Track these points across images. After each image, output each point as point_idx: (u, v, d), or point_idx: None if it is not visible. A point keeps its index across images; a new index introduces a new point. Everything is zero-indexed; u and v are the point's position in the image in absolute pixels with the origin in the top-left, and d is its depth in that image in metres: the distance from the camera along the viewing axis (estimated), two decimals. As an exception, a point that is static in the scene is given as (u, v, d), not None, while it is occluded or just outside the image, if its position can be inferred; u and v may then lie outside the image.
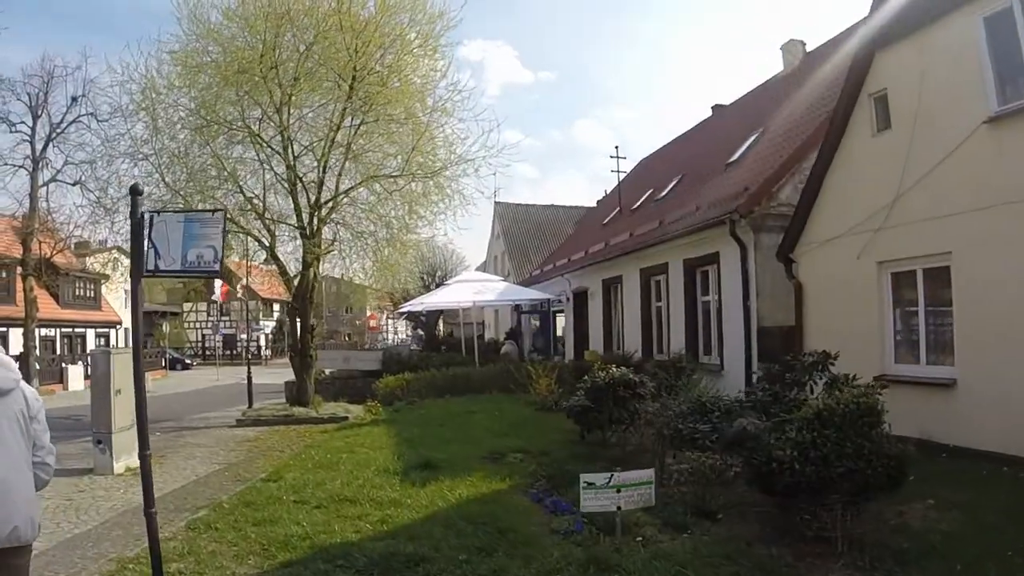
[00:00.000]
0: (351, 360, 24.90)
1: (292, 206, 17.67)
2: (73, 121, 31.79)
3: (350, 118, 17.19)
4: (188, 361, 54.21)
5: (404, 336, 79.80)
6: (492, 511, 7.31)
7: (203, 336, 67.24)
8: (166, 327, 60.21)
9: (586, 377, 11.38)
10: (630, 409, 10.50)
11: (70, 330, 38.85)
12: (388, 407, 17.41)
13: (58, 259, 33.22)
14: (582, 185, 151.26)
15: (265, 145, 17.13)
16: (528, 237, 41.41)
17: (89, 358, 10.66)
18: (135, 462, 9.75)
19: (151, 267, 4.96)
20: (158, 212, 5.37)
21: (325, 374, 24.86)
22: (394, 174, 17.52)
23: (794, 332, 12.70)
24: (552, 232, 40.07)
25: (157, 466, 10.05)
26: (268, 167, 17.52)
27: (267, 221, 17.93)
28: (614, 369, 10.88)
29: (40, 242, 31.63)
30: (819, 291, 12.36)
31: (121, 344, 45.41)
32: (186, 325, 65.97)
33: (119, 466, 10.74)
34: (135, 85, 16.92)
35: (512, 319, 34.60)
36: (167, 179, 17.14)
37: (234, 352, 60.88)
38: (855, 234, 11.27)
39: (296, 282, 18.65)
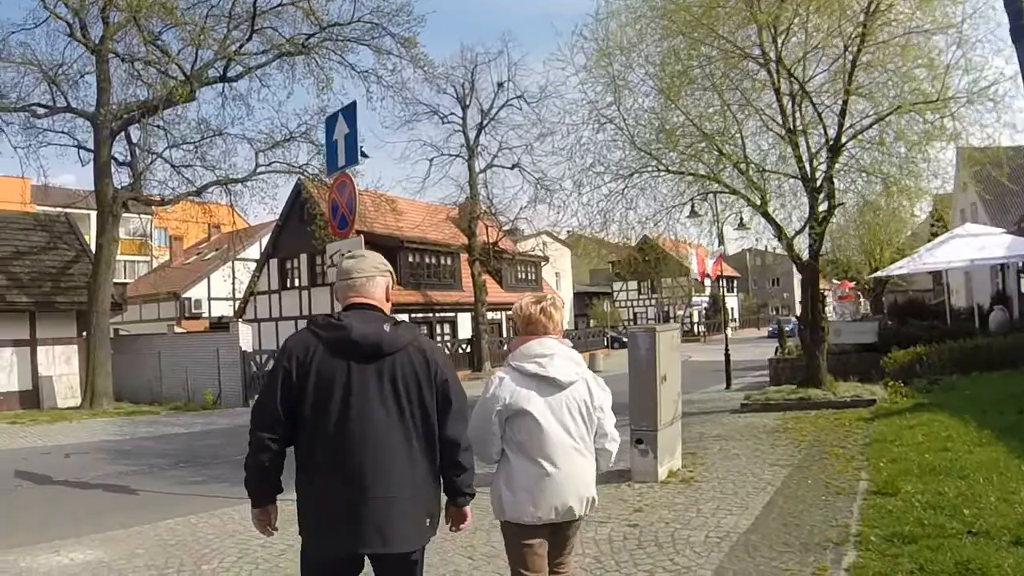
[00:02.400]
0: (842, 333, 20.46)
1: (790, 154, 14.75)
2: (502, 106, 32.16)
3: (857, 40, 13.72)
4: (625, 339, 52.93)
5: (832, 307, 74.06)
6: None
7: (634, 314, 67.00)
8: (607, 306, 60.24)
9: None
10: None
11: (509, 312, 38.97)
12: (907, 386, 14.82)
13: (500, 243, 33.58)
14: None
15: (759, 80, 14.79)
16: (1003, 185, 32.65)
17: (627, 337, 9.63)
18: (677, 464, 9.02)
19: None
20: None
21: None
22: (930, 100, 13.26)
23: None
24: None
25: (699, 467, 9.14)
26: (757, 111, 15.05)
27: (753, 176, 15.35)
28: None
29: (487, 227, 32.15)
30: None
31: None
32: (617, 304, 65.82)
33: (663, 471, 8.58)
34: (590, 44, 15.54)
35: (993, 282, 27.20)
36: (637, 141, 15.54)
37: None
38: None
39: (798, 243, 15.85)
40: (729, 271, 75.59)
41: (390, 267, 3.20)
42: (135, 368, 22.80)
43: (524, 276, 39.88)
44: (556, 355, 3.50)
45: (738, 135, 15.27)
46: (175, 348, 22.87)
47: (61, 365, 21.16)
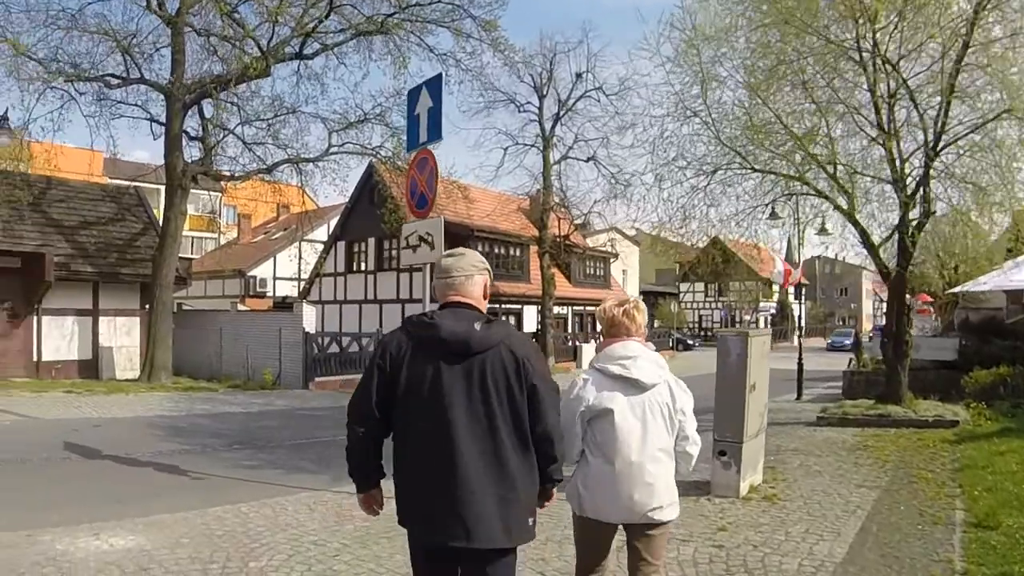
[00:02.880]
0: (921, 348, 19.32)
1: (881, 157, 14.21)
2: (580, 97, 31.59)
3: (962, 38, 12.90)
4: (690, 342, 52.07)
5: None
6: None
7: (700, 316, 65.87)
8: (674, 306, 59.14)
9: None
10: None
11: (581, 308, 38.29)
12: (990, 408, 14.17)
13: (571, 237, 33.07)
14: None
15: (850, 78, 14.18)
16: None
17: (717, 340, 8.57)
18: (759, 478, 8.42)
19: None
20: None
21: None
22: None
23: None
24: None
25: (780, 483, 8.55)
26: (849, 110, 14.27)
27: (841, 178, 14.59)
28: None
29: (559, 220, 31.62)
30: None
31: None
32: (683, 305, 64.64)
33: (744, 486, 7.98)
34: (678, 34, 14.95)
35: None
36: (722, 136, 15.02)
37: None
38: None
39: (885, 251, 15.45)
40: (800, 278, 73.44)
41: (488, 265, 3.21)
42: (196, 343, 22.65)
43: (592, 272, 39.15)
44: (640, 357, 3.61)
45: (827, 135, 14.61)
46: (237, 325, 22.65)
47: (122, 336, 21.05)
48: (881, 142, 13.87)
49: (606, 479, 3.50)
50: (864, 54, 13.37)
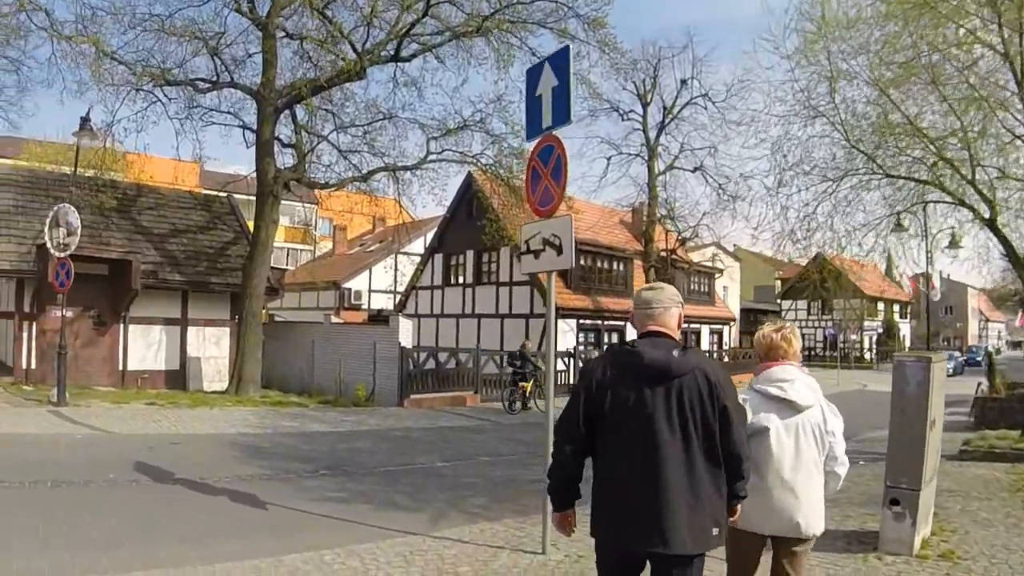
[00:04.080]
0: None
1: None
2: (685, 105, 30.25)
3: None
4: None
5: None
6: None
7: (803, 335, 62.92)
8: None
9: None
10: None
11: (687, 325, 36.37)
12: None
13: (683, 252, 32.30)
14: None
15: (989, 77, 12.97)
16: None
17: (893, 367, 6.93)
18: (928, 530, 7.09)
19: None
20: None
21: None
22: None
23: None
24: None
25: (952, 535, 7.18)
26: (992, 109, 12.88)
27: (980, 183, 13.48)
28: None
29: (665, 232, 30.70)
30: None
31: (734, 342, 42.35)
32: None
33: (918, 540, 6.68)
34: (811, 24, 14.07)
35: None
36: (851, 138, 14.12)
37: (835, 353, 57.40)
38: None
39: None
40: (902, 296, 70.74)
41: (681, 299, 3.48)
42: (287, 356, 21.84)
43: (696, 288, 37.40)
44: (796, 380, 3.85)
45: (963, 136, 13.26)
46: (330, 338, 21.72)
47: (211, 347, 20.38)
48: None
49: (760, 494, 3.65)
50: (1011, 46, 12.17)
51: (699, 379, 3.17)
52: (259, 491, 8.27)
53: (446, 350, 22.51)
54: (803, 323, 65.23)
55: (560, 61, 6.43)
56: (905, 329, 67.51)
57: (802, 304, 65.45)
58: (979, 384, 21.75)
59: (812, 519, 3.76)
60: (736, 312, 51.81)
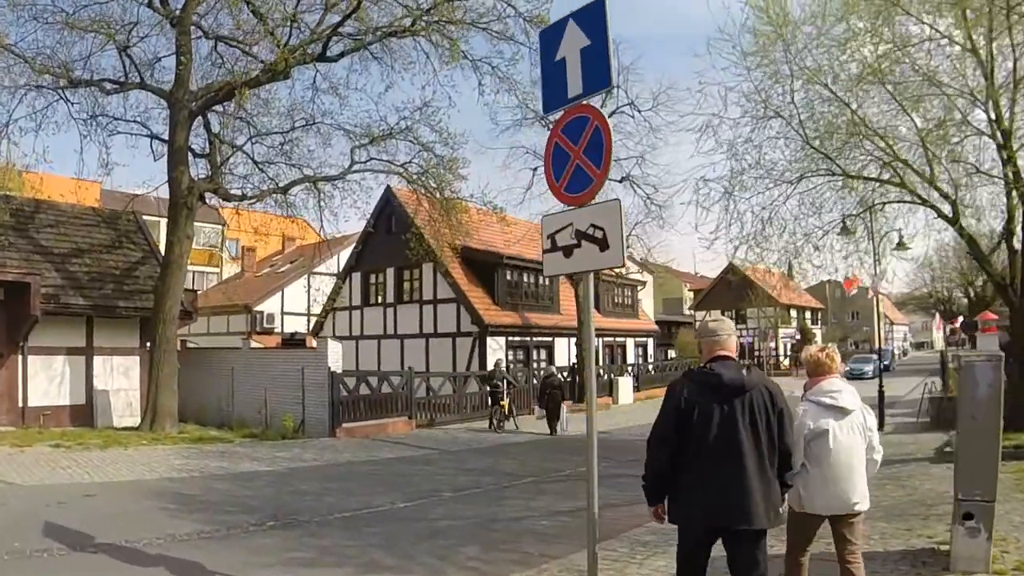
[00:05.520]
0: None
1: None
2: (611, 114, 29.17)
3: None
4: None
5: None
6: None
7: (715, 345, 63.90)
8: (688, 336, 56.90)
9: None
10: None
11: (612, 339, 35.73)
12: None
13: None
14: None
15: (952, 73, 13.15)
16: None
17: (960, 368, 6.59)
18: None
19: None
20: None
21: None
22: None
23: None
24: None
25: (1010, 545, 6.79)
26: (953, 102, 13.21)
27: (941, 184, 13.75)
28: None
29: None
30: None
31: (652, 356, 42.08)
32: (700, 334, 62.38)
33: (990, 556, 6.21)
34: (765, 17, 13.93)
35: None
36: (809, 138, 14.10)
37: (750, 361, 57.25)
38: None
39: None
40: (814, 303, 72.43)
41: (735, 329, 4.48)
42: (203, 386, 19.89)
43: (620, 301, 36.72)
44: (844, 391, 4.76)
45: (929, 138, 13.45)
46: (251, 365, 19.91)
47: (119, 378, 18.27)
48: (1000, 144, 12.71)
49: (821, 484, 4.60)
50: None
51: (763, 391, 4.07)
52: (201, 557, 6.74)
53: (376, 374, 21.03)
54: (717, 333, 66.12)
55: (592, 17, 5.13)
56: (819, 335, 69.13)
57: (715, 315, 66.24)
58: (926, 384, 21.84)
59: (863, 499, 4.69)
60: (654, 324, 51.75)
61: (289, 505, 9.43)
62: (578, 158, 5.16)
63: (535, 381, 24.94)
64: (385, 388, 19.69)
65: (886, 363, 48.95)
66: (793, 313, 65.73)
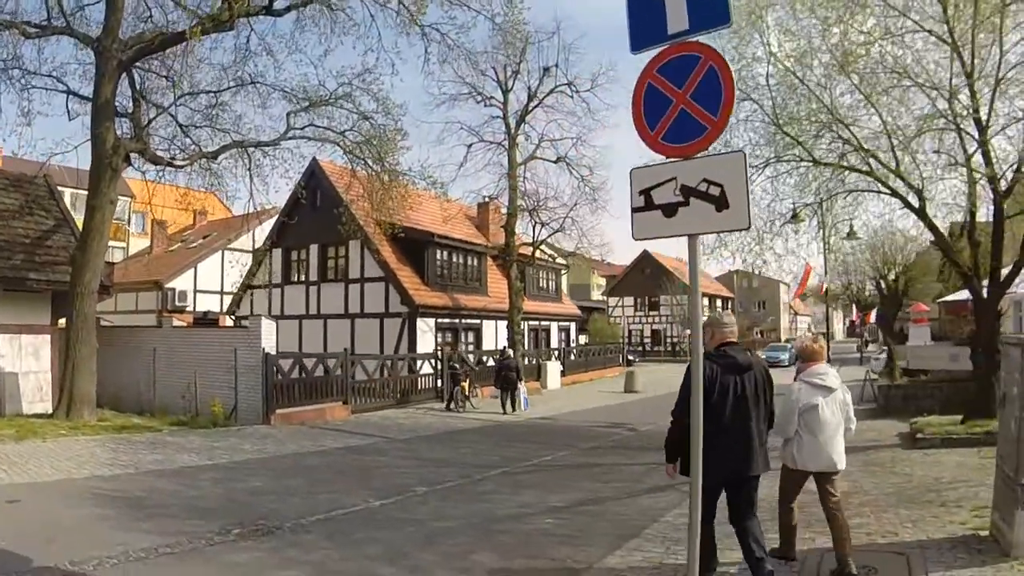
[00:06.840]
0: (960, 358, 17.39)
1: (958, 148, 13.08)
2: (549, 93, 29.43)
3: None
4: (631, 357, 49.50)
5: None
6: None
7: (630, 331, 64.35)
8: (605, 321, 56.93)
9: None
10: None
11: (537, 323, 35.04)
12: None
13: (527, 249, 30.59)
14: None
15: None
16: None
17: (1006, 351, 6.22)
18: None
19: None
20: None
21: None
22: None
23: None
24: None
25: None
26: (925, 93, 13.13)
27: (907, 171, 13.57)
28: None
29: (537, 224, 30.07)
30: None
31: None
32: (613, 320, 62.53)
33: None
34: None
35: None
36: (779, 120, 14.01)
37: (665, 348, 63.10)
38: None
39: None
40: (725, 291, 73.73)
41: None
42: (119, 368, 18.22)
43: (544, 285, 36.21)
44: (830, 374, 6.02)
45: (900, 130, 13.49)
46: (173, 346, 18.35)
47: (28, 359, 16.43)
48: (976, 135, 12.58)
49: (812, 447, 5.78)
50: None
51: (760, 369, 5.32)
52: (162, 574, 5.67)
53: (313, 355, 19.77)
54: (630, 319, 66.55)
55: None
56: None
57: (628, 300, 67.03)
58: (867, 372, 22.18)
59: (841, 459, 5.83)
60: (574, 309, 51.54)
61: (250, 508, 8.25)
62: (684, 103, 4.26)
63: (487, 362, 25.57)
64: (318, 371, 18.48)
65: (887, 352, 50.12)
66: (705, 301, 66.87)
